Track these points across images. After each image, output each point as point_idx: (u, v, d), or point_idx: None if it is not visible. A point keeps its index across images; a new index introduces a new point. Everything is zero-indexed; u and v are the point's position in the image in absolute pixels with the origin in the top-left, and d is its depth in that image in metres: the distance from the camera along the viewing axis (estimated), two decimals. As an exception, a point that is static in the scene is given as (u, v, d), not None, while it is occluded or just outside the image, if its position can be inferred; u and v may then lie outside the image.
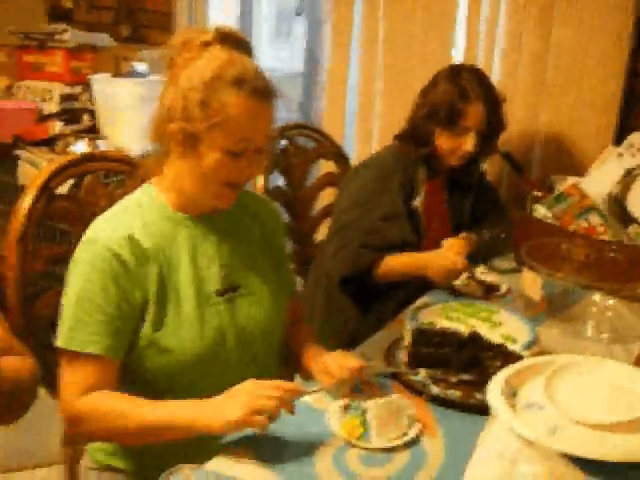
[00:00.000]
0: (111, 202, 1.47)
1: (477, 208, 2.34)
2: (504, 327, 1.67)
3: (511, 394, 1.30)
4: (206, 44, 1.32)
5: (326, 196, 2.59)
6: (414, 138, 2.13)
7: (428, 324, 1.64)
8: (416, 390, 1.46)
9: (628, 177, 2.24)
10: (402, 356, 1.56)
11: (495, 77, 2.59)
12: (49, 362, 1.42)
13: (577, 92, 2.53)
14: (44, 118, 3.21)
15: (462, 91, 2.05)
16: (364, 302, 2.14)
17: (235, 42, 1.35)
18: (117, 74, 3.21)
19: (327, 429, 1.32)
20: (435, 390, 1.45)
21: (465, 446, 1.22)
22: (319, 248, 2.39)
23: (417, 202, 2.13)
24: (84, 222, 1.44)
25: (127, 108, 3.04)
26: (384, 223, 2.04)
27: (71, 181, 1.70)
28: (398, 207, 2.07)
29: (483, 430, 1.21)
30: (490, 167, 2.60)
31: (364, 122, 2.98)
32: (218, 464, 1.22)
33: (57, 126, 3.17)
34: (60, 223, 1.72)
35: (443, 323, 1.65)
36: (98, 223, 1.36)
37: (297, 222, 2.43)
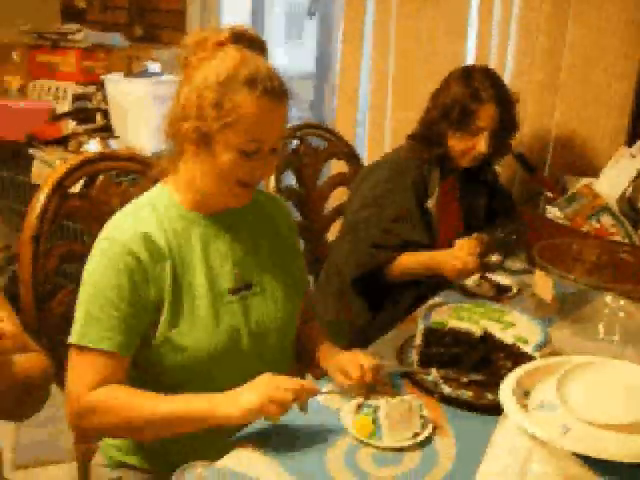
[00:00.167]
0: (124, 201, 1.48)
1: (490, 209, 2.34)
2: (515, 328, 1.66)
3: (523, 394, 1.30)
4: (220, 44, 1.32)
5: (337, 195, 2.59)
6: (427, 139, 2.13)
7: (439, 324, 1.64)
8: (428, 390, 1.47)
9: (640, 178, 2.23)
10: (414, 355, 1.57)
11: (507, 77, 2.58)
12: (62, 360, 1.42)
13: (590, 92, 2.52)
14: (57, 117, 3.22)
15: (474, 92, 2.04)
16: (375, 301, 2.15)
17: (249, 42, 1.35)
18: (130, 74, 3.22)
19: (340, 427, 1.33)
20: (447, 390, 1.46)
21: (476, 446, 1.22)
22: (330, 247, 2.39)
23: (430, 203, 2.13)
24: (97, 221, 1.45)
25: (140, 108, 3.04)
26: (397, 223, 2.05)
27: (84, 180, 1.72)
28: (411, 207, 2.08)
29: (495, 430, 1.21)
30: (502, 168, 2.59)
31: (376, 122, 2.98)
32: (230, 461, 1.23)
33: (70, 125, 3.18)
34: (73, 222, 1.74)
35: (454, 323, 1.65)
36: (114, 221, 1.37)
37: (308, 221, 2.44)
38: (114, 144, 3.08)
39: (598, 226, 2.17)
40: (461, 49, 2.75)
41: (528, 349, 1.53)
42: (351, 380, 1.41)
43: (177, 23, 3.47)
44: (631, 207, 2.20)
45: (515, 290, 2.03)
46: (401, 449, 1.28)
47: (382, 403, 1.33)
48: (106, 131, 3.22)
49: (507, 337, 1.58)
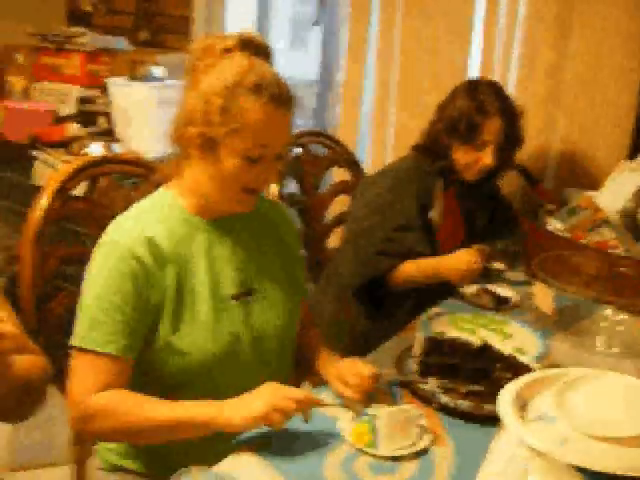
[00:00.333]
0: (126, 204, 1.48)
1: (491, 220, 2.34)
2: (515, 339, 1.67)
3: (521, 406, 1.30)
4: (228, 50, 1.33)
5: (339, 203, 2.59)
6: (431, 151, 2.14)
7: (439, 334, 1.64)
8: (426, 399, 1.47)
9: (641, 192, 2.24)
10: (413, 365, 1.57)
11: (510, 89, 2.59)
12: (61, 362, 1.42)
13: (592, 105, 2.53)
14: (60, 120, 3.23)
15: (480, 105, 2.05)
16: (375, 309, 2.14)
17: (256, 48, 1.36)
18: (134, 78, 3.23)
19: (338, 435, 1.33)
20: (444, 400, 1.45)
21: (474, 457, 1.22)
22: (331, 255, 2.39)
23: (433, 214, 2.13)
24: (99, 224, 1.45)
25: (143, 111, 3.05)
26: (400, 232, 2.05)
27: (86, 183, 1.72)
28: (413, 217, 2.08)
29: (492, 441, 1.21)
30: (504, 180, 2.59)
31: (378, 131, 2.99)
32: (227, 466, 1.23)
33: (73, 128, 3.18)
34: (75, 224, 1.74)
35: (454, 333, 1.65)
36: (118, 225, 1.37)
37: (309, 228, 2.44)
38: (117, 147, 3.08)
39: (598, 239, 2.17)
40: (465, 58, 2.76)
41: (527, 360, 1.53)
42: (350, 388, 1.41)
43: (182, 28, 3.48)
44: (632, 220, 2.20)
45: (515, 301, 2.03)
46: (398, 458, 1.28)
47: (380, 412, 1.32)
48: (109, 134, 3.23)
49: (506, 348, 1.58)
